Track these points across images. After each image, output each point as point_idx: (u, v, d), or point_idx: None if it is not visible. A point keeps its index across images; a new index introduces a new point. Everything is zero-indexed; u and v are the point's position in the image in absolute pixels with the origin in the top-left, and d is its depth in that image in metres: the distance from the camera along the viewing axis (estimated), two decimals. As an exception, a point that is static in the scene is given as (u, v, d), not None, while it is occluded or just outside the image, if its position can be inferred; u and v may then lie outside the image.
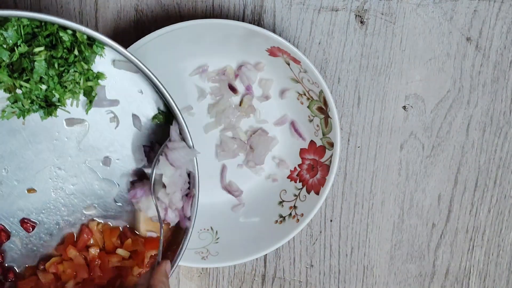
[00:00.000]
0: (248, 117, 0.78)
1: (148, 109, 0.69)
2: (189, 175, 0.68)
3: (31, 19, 0.60)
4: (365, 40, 0.78)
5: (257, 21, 0.76)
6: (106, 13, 0.76)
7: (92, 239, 0.70)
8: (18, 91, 0.63)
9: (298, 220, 0.76)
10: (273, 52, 0.72)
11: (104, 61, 0.65)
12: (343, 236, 0.84)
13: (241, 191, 0.79)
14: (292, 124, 0.78)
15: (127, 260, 0.70)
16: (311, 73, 0.70)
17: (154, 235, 0.70)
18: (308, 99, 0.75)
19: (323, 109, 0.73)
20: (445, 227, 0.84)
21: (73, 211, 0.70)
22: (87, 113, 0.67)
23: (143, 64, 0.63)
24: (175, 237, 0.69)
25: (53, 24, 0.60)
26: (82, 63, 0.63)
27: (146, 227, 0.70)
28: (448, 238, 0.85)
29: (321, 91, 0.72)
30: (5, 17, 0.59)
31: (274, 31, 0.76)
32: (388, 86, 0.80)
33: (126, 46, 0.64)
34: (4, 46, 0.60)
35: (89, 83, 0.65)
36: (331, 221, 0.83)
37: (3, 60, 0.60)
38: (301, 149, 0.78)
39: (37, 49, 0.60)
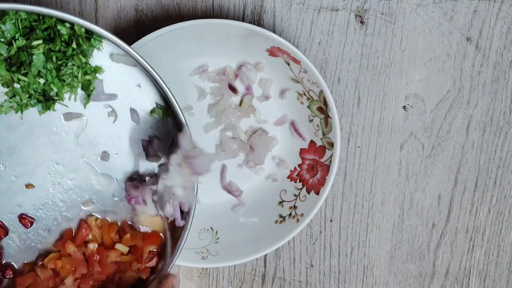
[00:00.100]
0: (248, 117, 0.78)
1: (146, 103, 0.68)
2: None
3: (29, 13, 0.59)
4: (365, 40, 0.78)
5: (257, 21, 0.76)
6: (106, 13, 0.76)
7: (90, 235, 0.70)
8: (16, 85, 0.62)
9: (298, 220, 0.76)
10: (273, 52, 0.72)
11: (102, 55, 0.65)
12: (343, 236, 0.84)
13: (241, 191, 0.79)
14: (292, 124, 0.78)
15: (126, 255, 0.69)
16: (311, 73, 0.70)
17: (149, 230, 0.70)
18: (308, 99, 0.75)
19: (323, 109, 0.73)
20: (445, 227, 0.84)
21: (71, 207, 0.70)
22: (85, 107, 0.67)
23: (141, 57, 0.62)
24: (173, 234, 0.69)
25: (51, 17, 0.60)
26: (80, 56, 0.62)
27: (144, 222, 0.70)
28: (448, 238, 0.85)
29: (321, 91, 0.71)
30: (3, 11, 0.58)
31: (274, 31, 0.76)
32: (388, 86, 0.79)
33: (126, 46, 0.64)
34: (2, 39, 0.60)
35: (87, 77, 0.64)
36: (331, 221, 0.83)
37: (1, 54, 0.60)
38: (301, 149, 0.78)
39: (35, 43, 0.60)
